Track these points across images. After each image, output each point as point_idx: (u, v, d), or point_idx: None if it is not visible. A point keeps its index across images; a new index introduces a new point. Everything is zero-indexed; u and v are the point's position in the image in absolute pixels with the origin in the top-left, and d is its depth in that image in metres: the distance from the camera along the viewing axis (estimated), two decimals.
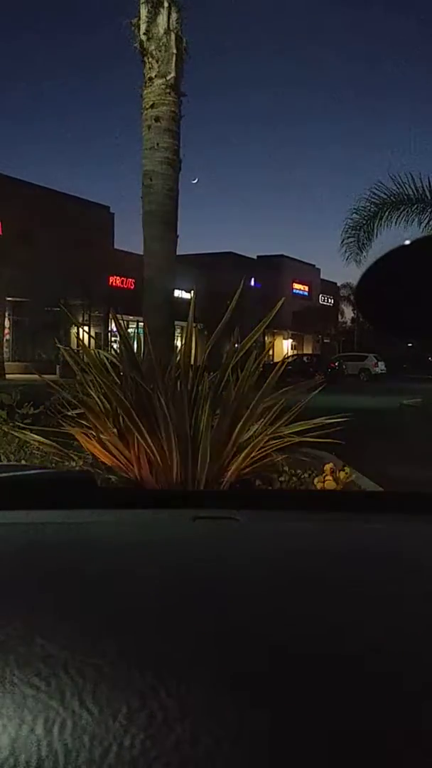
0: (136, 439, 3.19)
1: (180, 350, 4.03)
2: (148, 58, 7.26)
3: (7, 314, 27.96)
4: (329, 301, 52.97)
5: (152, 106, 7.13)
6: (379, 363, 36.84)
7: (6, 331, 28.18)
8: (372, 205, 12.50)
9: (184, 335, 3.81)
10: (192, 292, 8.26)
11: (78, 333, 19.92)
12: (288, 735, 0.41)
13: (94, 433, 3.44)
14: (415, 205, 12.14)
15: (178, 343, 6.01)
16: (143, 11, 7.31)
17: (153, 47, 7.23)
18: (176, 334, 7.94)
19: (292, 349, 46.02)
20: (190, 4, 7.68)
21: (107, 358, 3.72)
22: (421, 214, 12.18)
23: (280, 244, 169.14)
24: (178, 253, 7.47)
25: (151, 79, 7.20)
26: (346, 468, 3.91)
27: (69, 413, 3.61)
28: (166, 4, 7.26)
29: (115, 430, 3.36)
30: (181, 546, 0.80)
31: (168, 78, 7.16)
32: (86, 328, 24.42)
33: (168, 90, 7.15)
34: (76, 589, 0.62)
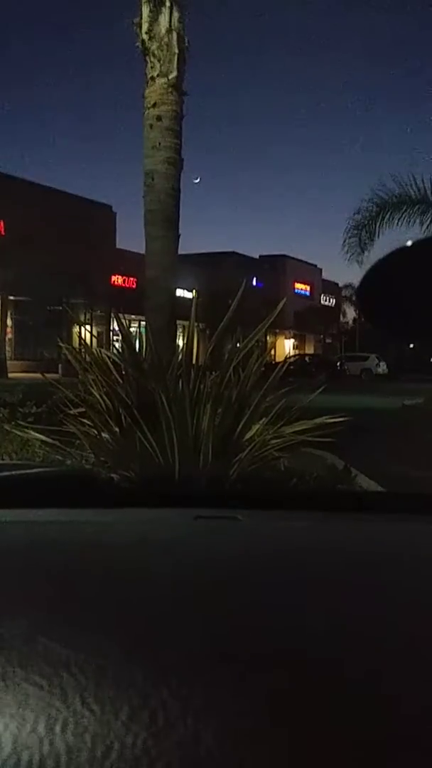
0: (137, 438, 3.19)
1: (182, 349, 4.03)
2: (150, 58, 7.26)
3: (9, 313, 27.96)
4: (331, 301, 52.91)
5: (154, 106, 7.12)
6: (381, 363, 36.82)
7: (8, 330, 28.18)
8: (374, 206, 12.49)
9: (185, 334, 3.81)
10: (194, 291, 8.24)
11: (80, 332, 19.93)
12: (290, 734, 0.41)
13: (96, 432, 3.44)
14: (417, 206, 12.13)
15: (180, 343, 6.01)
16: (145, 11, 7.31)
17: (155, 46, 7.23)
18: (178, 334, 7.94)
19: (293, 349, 45.99)
20: (192, 4, 7.69)
21: (109, 357, 3.72)
22: (423, 215, 12.16)
23: (282, 244, 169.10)
24: (180, 253, 7.47)
25: (152, 78, 7.20)
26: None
27: (71, 412, 3.61)
28: (167, 4, 7.26)
29: (116, 429, 3.36)
30: (182, 545, 0.80)
31: (170, 77, 7.16)
32: (88, 327, 24.42)
33: (170, 89, 7.15)
34: (77, 588, 0.62)
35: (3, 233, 26.55)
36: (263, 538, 0.86)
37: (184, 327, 4.91)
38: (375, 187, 12.34)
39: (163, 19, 7.29)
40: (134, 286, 28.89)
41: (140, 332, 4.69)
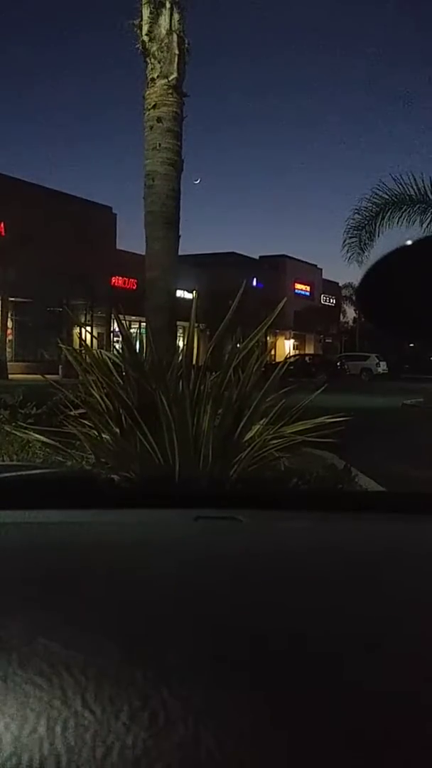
0: (138, 439, 3.19)
1: (182, 350, 4.03)
2: (150, 59, 7.26)
3: (9, 314, 27.95)
4: (331, 301, 52.90)
5: (154, 107, 7.13)
6: (381, 363, 36.82)
7: (8, 331, 28.16)
8: (374, 206, 12.50)
9: (186, 335, 3.81)
10: (194, 292, 8.25)
11: (80, 333, 19.93)
12: (290, 734, 0.41)
13: (97, 433, 3.44)
14: (417, 206, 12.13)
15: (180, 343, 6.02)
16: (145, 12, 7.31)
17: (155, 48, 7.23)
18: (178, 334, 7.94)
19: (294, 349, 45.98)
20: (193, 5, 7.70)
21: (110, 359, 3.72)
22: (423, 214, 12.17)
23: (282, 245, 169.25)
24: (180, 253, 7.47)
25: (153, 79, 7.20)
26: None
27: (71, 413, 3.61)
28: (168, 5, 7.26)
29: (117, 430, 3.36)
30: (182, 545, 0.80)
31: (170, 78, 7.16)
32: (88, 329, 24.43)
33: (170, 90, 7.15)
34: (78, 589, 0.62)
35: (3, 234, 26.55)
36: (263, 538, 0.86)
37: (184, 328, 4.91)
38: (375, 186, 12.36)
39: (164, 21, 7.29)
40: (134, 288, 28.89)
41: (140, 333, 4.69)
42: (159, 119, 7.09)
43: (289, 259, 47.92)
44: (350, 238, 13.05)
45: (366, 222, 12.70)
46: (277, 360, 14.64)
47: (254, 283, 35.67)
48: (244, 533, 0.91)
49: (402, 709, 0.44)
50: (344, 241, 13.20)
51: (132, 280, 30.07)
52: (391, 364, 37.27)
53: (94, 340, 9.94)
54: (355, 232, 12.92)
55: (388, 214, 12.37)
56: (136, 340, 4.29)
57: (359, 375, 34.46)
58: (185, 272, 16.82)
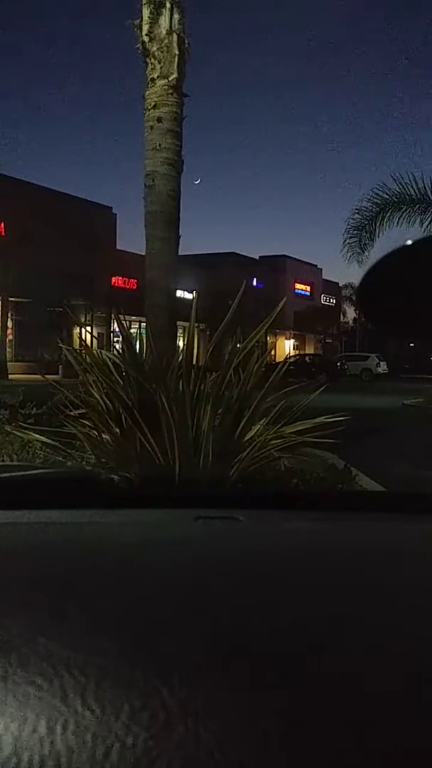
0: (138, 439, 3.19)
1: (182, 350, 4.03)
2: (150, 59, 7.26)
3: (9, 314, 27.94)
4: (331, 301, 52.91)
5: (154, 107, 7.12)
6: (381, 363, 36.83)
7: (8, 331, 28.15)
8: (374, 206, 12.52)
9: (186, 335, 3.81)
10: (194, 292, 8.24)
11: (80, 333, 19.93)
12: (290, 734, 0.41)
13: (97, 433, 3.44)
14: (417, 206, 12.16)
15: (181, 343, 6.02)
16: (145, 12, 7.30)
17: (155, 48, 7.22)
18: (178, 334, 7.94)
19: (294, 349, 45.97)
20: (193, 6, 7.70)
21: (110, 359, 3.72)
22: (423, 214, 12.20)
23: (282, 245, 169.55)
24: (180, 254, 7.46)
25: (153, 80, 7.20)
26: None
27: (71, 413, 3.61)
28: (168, 6, 7.26)
29: (117, 430, 3.36)
30: (182, 546, 0.80)
31: (170, 79, 7.15)
32: (88, 329, 24.45)
33: (170, 91, 7.15)
34: (77, 589, 0.62)
35: (3, 234, 26.54)
36: (263, 539, 0.86)
37: (184, 328, 4.91)
38: (375, 186, 12.38)
39: (164, 21, 7.29)
40: (134, 288, 28.89)
41: (141, 333, 4.69)
42: (159, 119, 7.09)
43: (289, 259, 47.91)
44: (350, 238, 13.09)
45: (366, 222, 12.72)
46: (277, 360, 14.62)
47: (254, 283, 35.67)
48: (244, 533, 0.91)
49: (403, 709, 0.44)
50: (344, 241, 13.24)
51: (132, 280, 30.07)
52: (391, 364, 37.27)
53: (94, 340, 9.94)
54: (355, 232, 12.95)
55: (388, 214, 12.40)
56: (136, 340, 4.29)
57: (359, 375, 34.45)
58: (185, 272, 16.83)
